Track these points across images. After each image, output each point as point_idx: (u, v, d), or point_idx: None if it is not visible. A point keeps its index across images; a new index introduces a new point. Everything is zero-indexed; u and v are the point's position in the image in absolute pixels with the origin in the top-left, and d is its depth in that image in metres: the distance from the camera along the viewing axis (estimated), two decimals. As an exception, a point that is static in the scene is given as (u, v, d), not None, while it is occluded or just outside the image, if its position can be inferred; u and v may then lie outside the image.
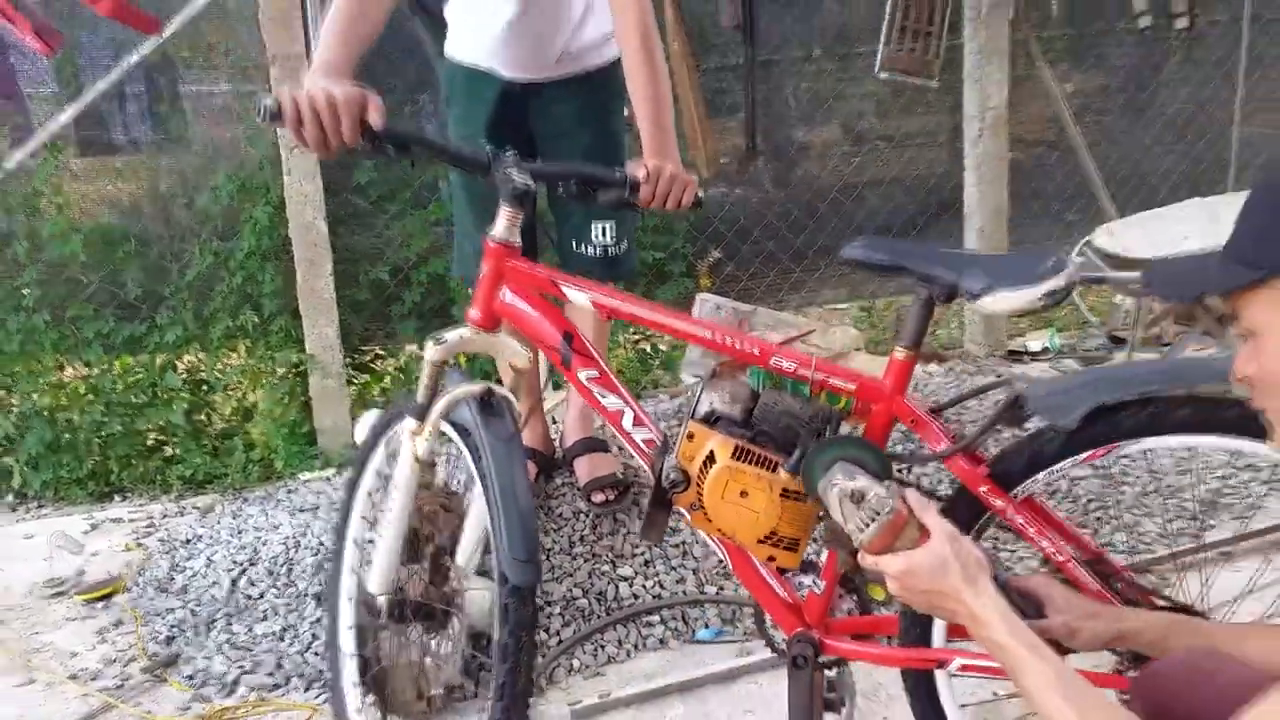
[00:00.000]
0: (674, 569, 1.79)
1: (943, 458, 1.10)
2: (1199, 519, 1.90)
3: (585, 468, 1.91)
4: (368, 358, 2.88)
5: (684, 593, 1.73)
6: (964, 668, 1.11)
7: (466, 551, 1.32)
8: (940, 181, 3.31)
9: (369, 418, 2.59)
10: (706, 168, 3.15)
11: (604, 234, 1.77)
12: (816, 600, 1.19)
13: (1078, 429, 1.05)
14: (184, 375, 2.55)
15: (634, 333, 3.17)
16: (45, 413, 2.42)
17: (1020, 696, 0.79)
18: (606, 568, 1.77)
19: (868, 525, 0.93)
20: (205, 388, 2.59)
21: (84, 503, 2.39)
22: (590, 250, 1.80)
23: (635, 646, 1.66)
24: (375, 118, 1.13)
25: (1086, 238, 2.67)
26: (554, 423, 2.28)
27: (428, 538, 1.38)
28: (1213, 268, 0.75)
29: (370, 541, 1.59)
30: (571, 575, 1.75)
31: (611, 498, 1.85)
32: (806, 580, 1.31)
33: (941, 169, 3.31)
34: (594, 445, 1.94)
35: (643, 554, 1.80)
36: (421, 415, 1.25)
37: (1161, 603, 1.08)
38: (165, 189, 2.57)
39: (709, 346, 1.20)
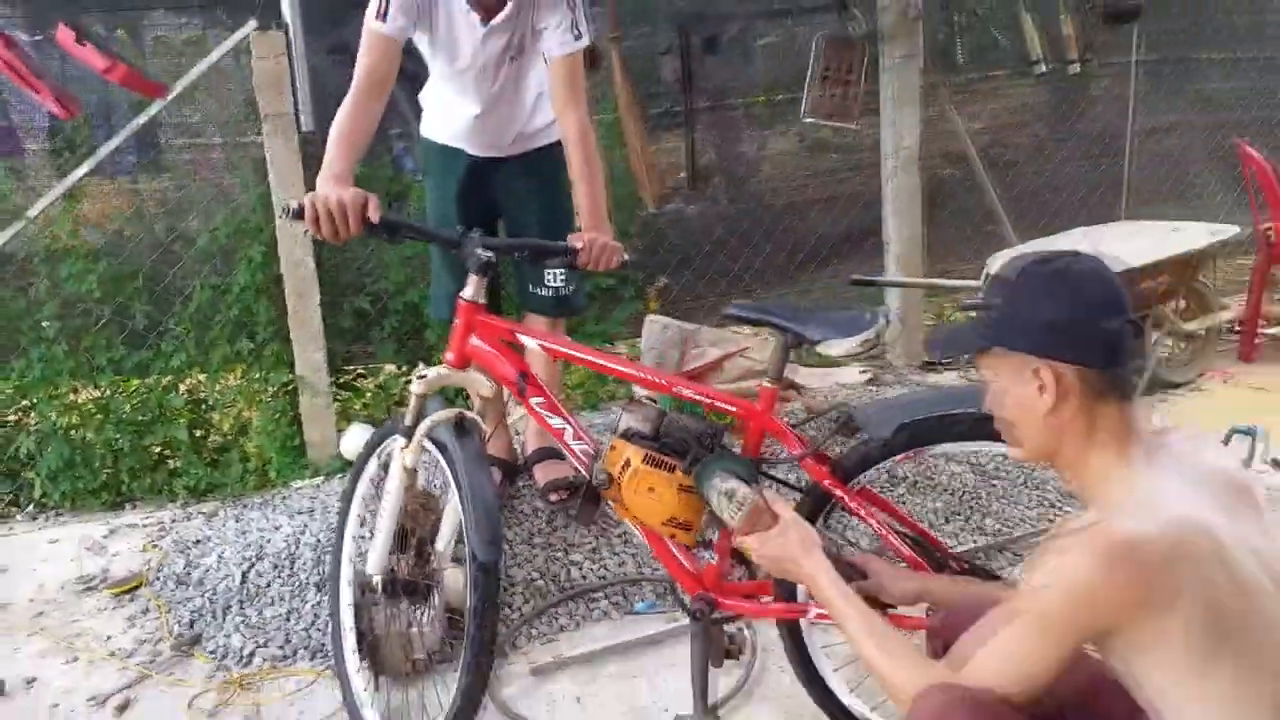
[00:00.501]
0: (617, 554, 2.17)
1: (798, 460, 1.50)
2: (1058, 506, 2.34)
3: (543, 472, 2.29)
4: (351, 377, 3.25)
5: (625, 574, 2.12)
6: (818, 616, 1.51)
7: (444, 540, 1.69)
8: (863, 212, 3.72)
9: (353, 431, 2.94)
10: (653, 202, 3.55)
11: (555, 278, 2.15)
12: (713, 569, 1.58)
13: (892, 438, 1.45)
14: (186, 396, 2.88)
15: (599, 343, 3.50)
16: (62, 431, 2.73)
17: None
18: (560, 554, 2.15)
19: (736, 514, 1.33)
20: (205, 407, 2.92)
21: (99, 511, 2.70)
22: (544, 291, 2.18)
23: (584, 618, 2.04)
24: (374, 214, 1.50)
25: (985, 268, 3.10)
26: (517, 435, 2.66)
27: (412, 531, 1.76)
28: (968, 333, 1.12)
29: (362, 537, 1.95)
30: (531, 561, 2.13)
31: (565, 497, 2.23)
32: (707, 555, 1.70)
33: (867, 199, 3.72)
34: (550, 453, 2.32)
35: (590, 542, 2.19)
36: (409, 434, 1.62)
37: (963, 568, 1.49)
38: (166, 230, 2.90)
39: (632, 380, 1.59)
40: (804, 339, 1.45)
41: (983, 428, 1.36)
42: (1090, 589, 0.92)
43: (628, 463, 1.46)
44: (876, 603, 1.30)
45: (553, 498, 2.23)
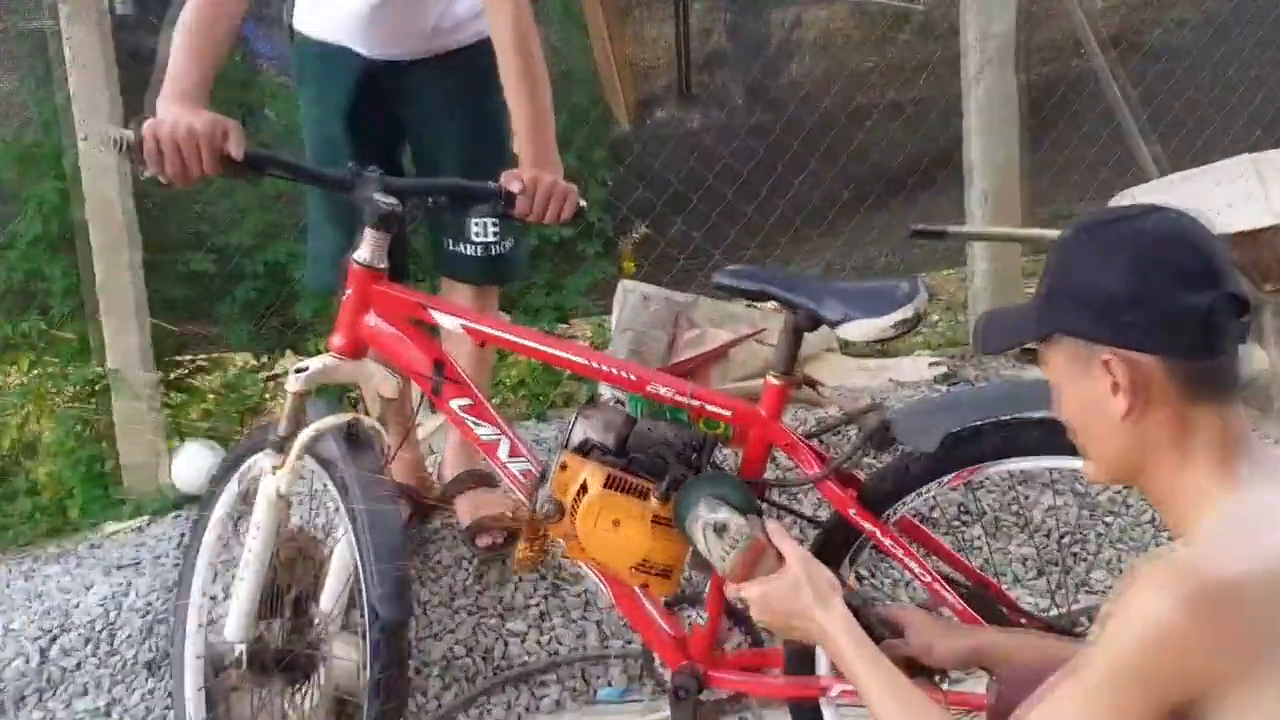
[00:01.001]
0: (574, 623, 2.37)
1: (815, 482, 1.71)
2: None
3: (468, 506, 2.46)
4: (186, 372, 3.39)
5: (584, 649, 2.32)
6: (844, 694, 1.72)
7: (331, 597, 1.88)
8: (935, 128, 3.93)
9: (190, 452, 3.12)
10: (629, 115, 3.73)
11: (485, 232, 2.32)
12: (701, 633, 1.78)
13: (939, 451, 1.66)
14: (-59, 400, 3.04)
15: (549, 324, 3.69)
16: None
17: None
18: (494, 622, 2.34)
19: (728, 555, 1.52)
20: (-26, 415, 3.08)
21: None
22: (469, 249, 2.33)
23: (526, 709, 2.23)
24: (235, 149, 1.68)
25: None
26: (432, 454, 2.84)
27: (286, 586, 1.94)
28: (1021, 316, 1.29)
29: (215, 597, 2.13)
30: (453, 631, 2.32)
31: (499, 541, 2.41)
32: (693, 615, 1.89)
33: (941, 109, 3.92)
34: (478, 479, 2.49)
35: (536, 603, 2.38)
36: (282, 448, 1.81)
37: (1037, 623, 1.70)
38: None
39: (591, 375, 1.79)
40: (819, 318, 1.64)
41: (1065, 438, 1.56)
42: (1173, 641, 1.03)
43: (584, 487, 1.64)
44: (918, 669, 1.50)
45: (482, 542, 2.41)
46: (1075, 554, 2.60)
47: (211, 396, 3.48)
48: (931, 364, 3.52)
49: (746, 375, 3.13)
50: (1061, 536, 2.63)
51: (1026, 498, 2.70)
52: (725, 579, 1.53)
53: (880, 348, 3.93)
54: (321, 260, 2.35)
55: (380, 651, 1.70)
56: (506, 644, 2.31)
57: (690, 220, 3.83)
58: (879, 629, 1.51)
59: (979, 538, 2.58)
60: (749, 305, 4.06)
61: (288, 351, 3.43)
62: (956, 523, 2.59)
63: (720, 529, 1.53)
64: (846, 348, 3.96)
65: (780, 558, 1.49)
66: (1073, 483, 2.76)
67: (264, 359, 3.51)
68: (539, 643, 2.33)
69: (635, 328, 3.34)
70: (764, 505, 1.71)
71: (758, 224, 3.88)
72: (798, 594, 1.45)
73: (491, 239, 2.31)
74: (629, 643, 2.33)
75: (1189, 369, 1.12)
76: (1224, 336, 1.13)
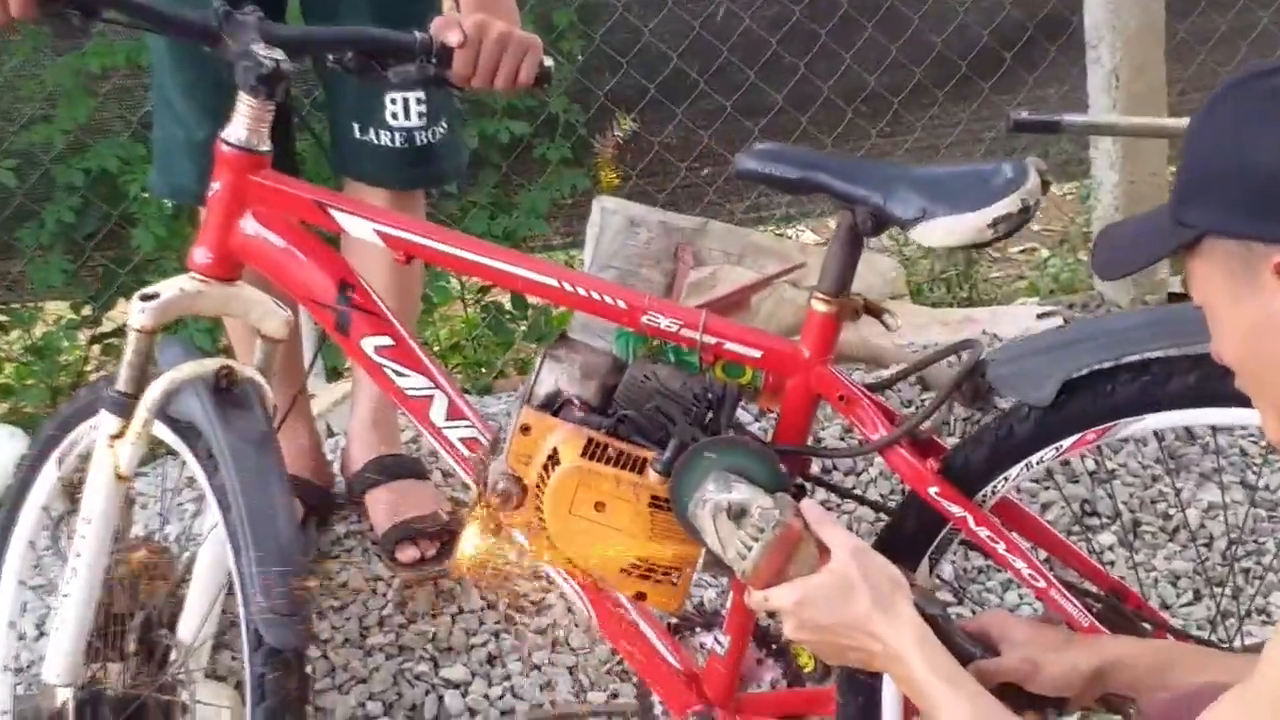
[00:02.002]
0: (536, 669, 2.39)
1: (880, 449, 1.73)
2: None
3: (385, 506, 2.49)
4: (-26, 327, 3.41)
5: (551, 704, 2.34)
6: (920, 749, 1.75)
7: (193, 622, 1.90)
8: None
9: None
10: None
11: (406, 111, 2.34)
12: (720, 666, 1.81)
13: (1056, 406, 1.69)
14: None
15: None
16: None
17: None
18: (424, 668, 2.37)
19: (750, 548, 1.54)
20: None
21: None
22: (383, 137, 2.36)
23: (470, 790, 2.27)
24: (53, -22, 1.70)
25: None
26: (331, 435, 2.85)
27: (130, 610, 1.96)
28: (1162, 225, 1.29)
29: (22, 637, 2.13)
30: (364, 681, 2.34)
31: (431, 554, 2.44)
32: (708, 641, 1.91)
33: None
34: (400, 468, 2.52)
35: (484, 644, 2.41)
36: (124, 410, 1.82)
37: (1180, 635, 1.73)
38: None
39: (556, 300, 1.81)
40: (886, 216, 1.66)
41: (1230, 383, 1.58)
42: None
43: (555, 457, 1.66)
44: (1022, 700, 1.52)
45: (405, 556, 2.44)
46: (1247, 570, 2.64)
47: (10, 365, 3.48)
48: (1041, 315, 3.57)
49: (776, 331, 3.16)
50: (1228, 545, 2.67)
51: (1179, 491, 2.73)
52: (746, 583, 1.55)
53: (966, 293, 3.98)
54: (174, 155, 2.37)
55: (266, 693, 1.71)
56: (441, 699, 2.34)
57: (695, 113, 3.86)
58: (964, 646, 1.53)
59: (1111, 547, 2.61)
60: (777, 232, 4.11)
61: (120, 300, 3.45)
62: (1077, 528, 2.63)
63: (737, 513, 1.54)
64: (919, 295, 4.01)
65: (823, 551, 1.51)
66: (1242, 472, 2.80)
67: (87, 310, 3.52)
68: (487, 697, 2.35)
69: (619, 263, 3.37)
70: (807, 485, 1.74)
71: (791, 118, 3.91)
72: (849, 599, 1.46)
73: (416, 122, 2.34)
74: (615, 696, 2.36)
75: None
76: None
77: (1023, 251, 4.74)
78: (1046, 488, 2.73)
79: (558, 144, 3.71)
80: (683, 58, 3.81)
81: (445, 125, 2.38)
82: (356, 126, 2.35)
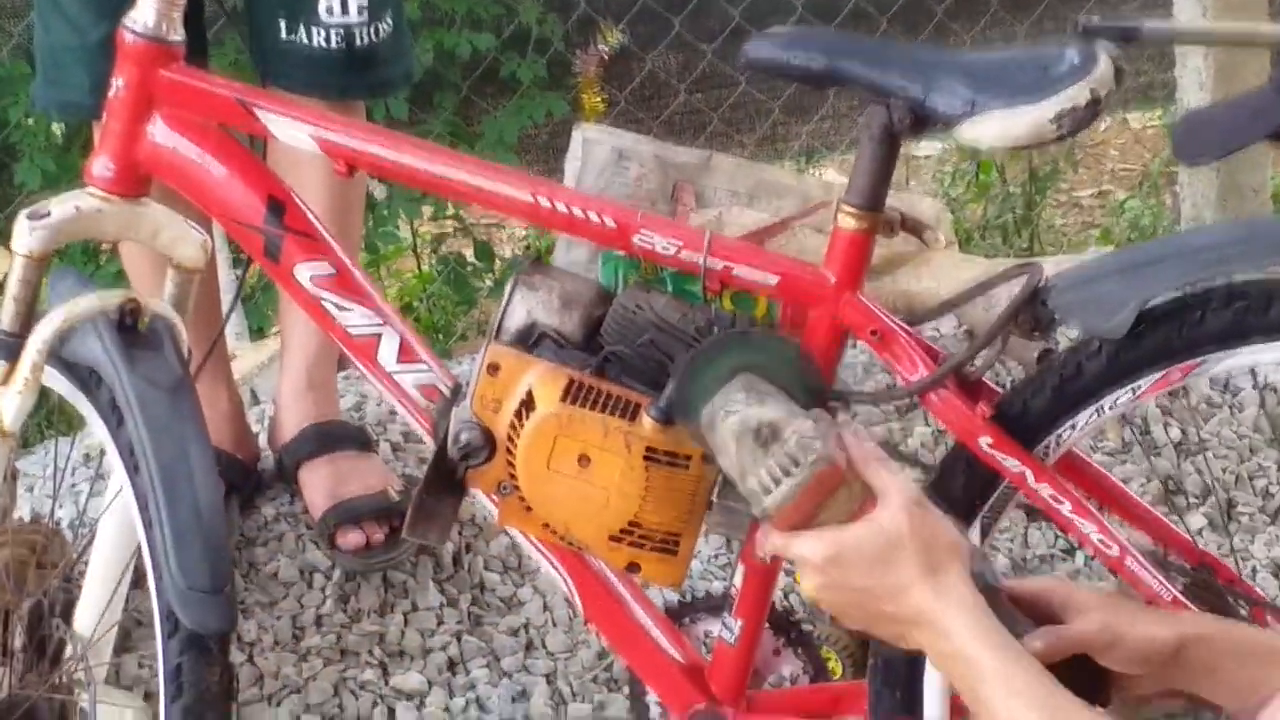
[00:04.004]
0: (507, 676, 2.41)
1: (920, 393, 1.76)
2: None
3: (324, 484, 2.51)
4: None
5: (525, 717, 2.35)
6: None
7: (93, 610, 1.91)
8: None
9: None
10: None
11: (343, 3, 2.34)
12: (729, 656, 1.83)
13: (1132, 337, 1.71)
14: None
15: (440, 212, 3.73)
16: None
17: None
18: (371, 676, 2.38)
19: (779, 481, 1.54)
20: None
21: None
22: (317, 37, 2.37)
23: (429, 822, 2.29)
24: None
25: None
26: (257, 402, 2.87)
27: (15, 599, 1.98)
28: (1259, 105, 1.29)
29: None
30: (300, 691, 2.36)
31: (378, 540, 2.46)
32: (715, 628, 1.93)
33: None
34: (340, 439, 2.54)
35: (444, 647, 2.43)
36: (8, 352, 1.83)
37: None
38: None
39: (530, 218, 1.83)
40: (926, 112, 1.68)
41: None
42: None
43: (530, 402, 1.68)
44: (1087, 676, 1.53)
45: (347, 542, 2.46)
46: None
47: None
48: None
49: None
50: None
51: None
52: (764, 522, 1.54)
53: (1025, 241, 4.00)
54: (62, 62, 2.39)
55: (184, 687, 1.74)
56: (392, 712, 2.36)
57: (697, 25, 3.86)
58: (1017, 622, 1.51)
59: (1201, 531, 2.64)
60: (801, 169, 4.12)
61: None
62: (1161, 510, 2.64)
63: (768, 435, 1.52)
64: (969, 244, 4.02)
65: (867, 495, 1.51)
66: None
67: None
68: (448, 710, 2.37)
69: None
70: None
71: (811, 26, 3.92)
72: (893, 561, 1.46)
73: (355, 18, 2.36)
74: (602, 708, 2.38)
75: None
76: None
77: (1096, 194, 4.76)
78: (1123, 461, 2.75)
79: (530, 61, 3.72)
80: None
81: (390, 22, 2.40)
82: (283, 24, 2.37)
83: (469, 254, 3.82)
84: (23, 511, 2.43)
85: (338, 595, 2.46)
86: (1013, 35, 4.18)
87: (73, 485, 2.64)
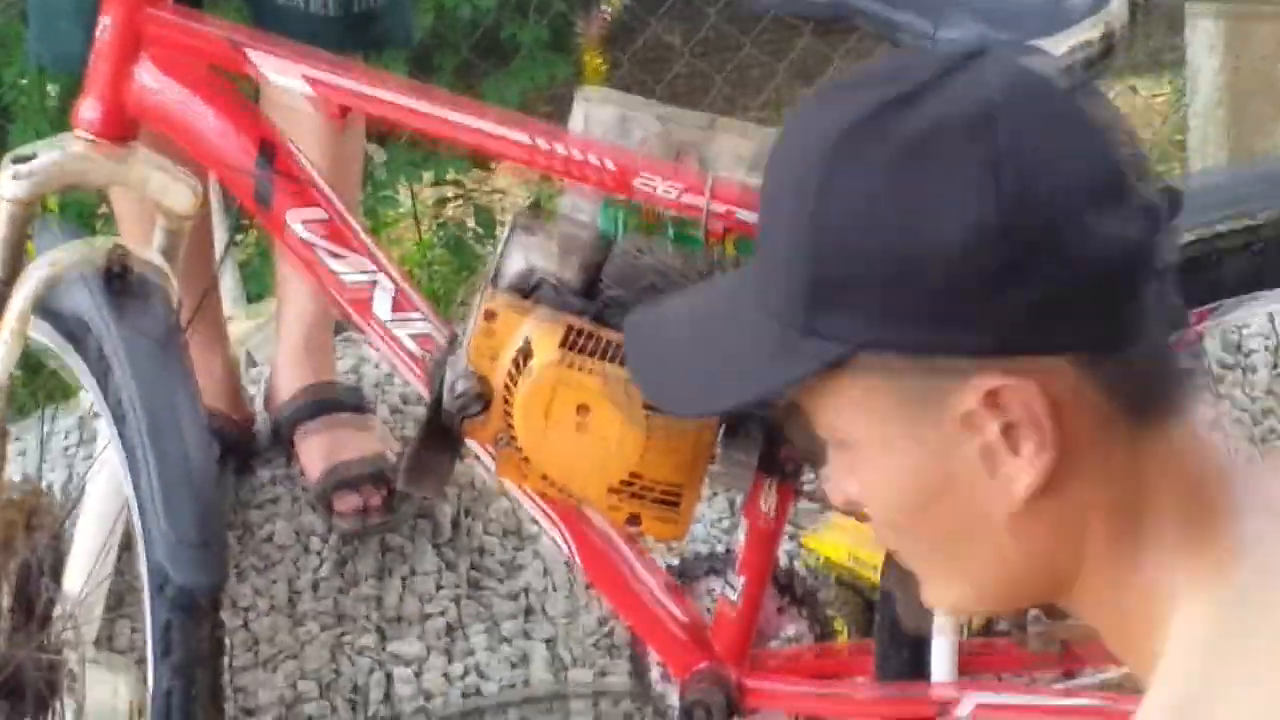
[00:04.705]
0: (506, 642, 2.38)
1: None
2: None
3: (321, 447, 2.46)
4: None
5: (525, 683, 2.33)
6: (981, 710, 1.73)
7: (81, 570, 1.88)
8: None
9: None
10: None
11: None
12: (731, 615, 1.79)
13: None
14: None
15: (440, 175, 3.70)
16: None
17: None
18: (369, 640, 2.36)
19: None
20: None
21: None
22: (314, 1, 2.32)
23: (427, 792, 2.27)
24: None
25: None
26: (254, 364, 2.83)
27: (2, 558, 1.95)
28: (763, 337, 1.03)
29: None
30: (295, 657, 2.33)
31: (375, 503, 2.42)
32: (716, 585, 1.88)
33: None
34: (337, 401, 2.50)
35: (442, 612, 2.40)
36: (-7, 304, 1.81)
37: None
38: None
39: (521, 160, 1.80)
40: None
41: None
42: None
43: (527, 351, 1.65)
44: None
45: (344, 505, 2.42)
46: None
47: None
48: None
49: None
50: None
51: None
52: None
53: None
54: (56, 14, 2.34)
55: (172, 645, 1.71)
56: (390, 678, 2.34)
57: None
58: None
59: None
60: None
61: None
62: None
63: None
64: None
65: None
66: None
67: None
68: (446, 676, 2.35)
69: (607, 168, 3.36)
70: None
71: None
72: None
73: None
74: (604, 675, 2.35)
75: (1124, 368, 1.02)
76: (1165, 285, 1.03)
77: (1103, 163, 4.73)
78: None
79: (532, 24, 3.70)
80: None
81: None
82: (277, -25, 2.34)
83: (470, 222, 3.79)
84: (14, 476, 2.41)
85: (335, 560, 2.43)
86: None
87: (66, 449, 2.60)
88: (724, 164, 3.61)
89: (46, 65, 2.75)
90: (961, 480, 1.02)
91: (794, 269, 1.01)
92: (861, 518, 1.14)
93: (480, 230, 3.76)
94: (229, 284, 2.88)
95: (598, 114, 3.49)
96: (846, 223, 0.99)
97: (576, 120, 3.51)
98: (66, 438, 2.63)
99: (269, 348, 2.72)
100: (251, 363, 2.82)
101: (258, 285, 3.33)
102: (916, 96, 0.99)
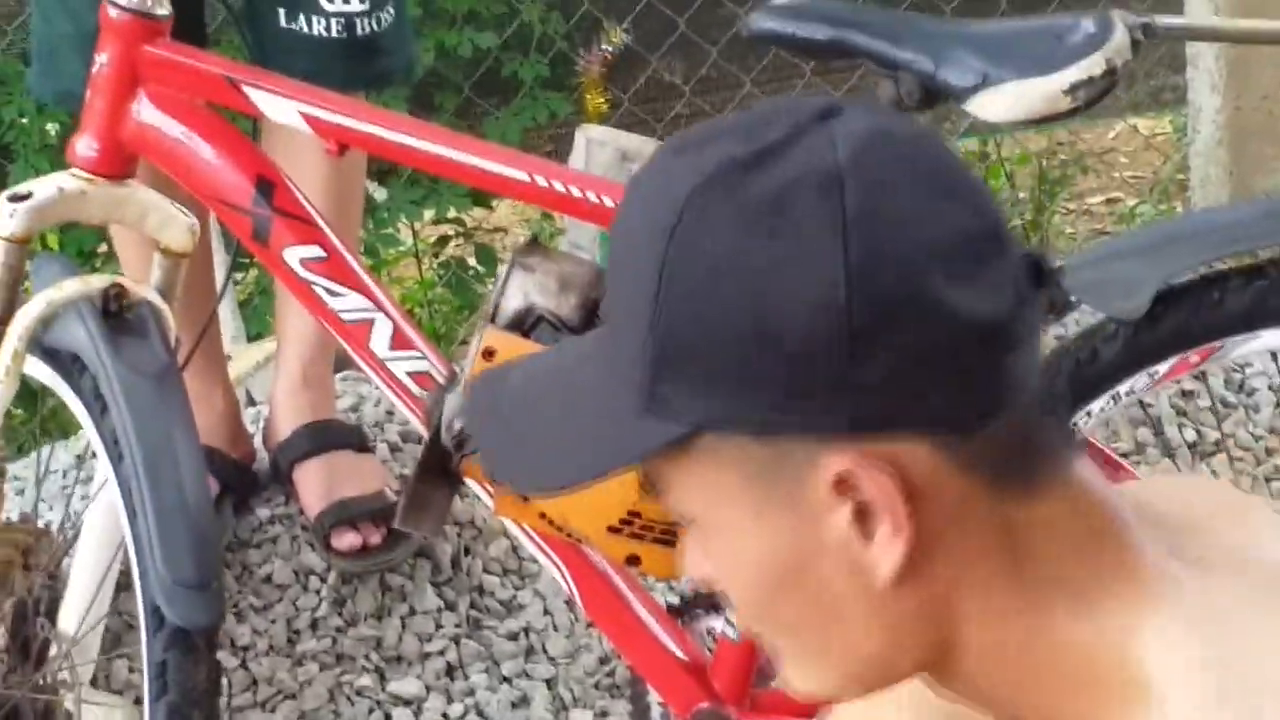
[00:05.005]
0: (506, 680, 2.37)
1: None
2: None
3: (319, 483, 2.45)
4: None
5: (525, 724, 2.32)
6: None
7: (78, 609, 1.87)
8: None
9: None
10: None
11: (345, -10, 2.33)
12: (732, 654, 1.78)
13: (1150, 319, 1.66)
14: None
15: (441, 213, 3.69)
16: None
17: None
18: (368, 681, 2.34)
19: None
20: None
21: None
22: (317, 26, 2.33)
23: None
24: None
25: None
26: (253, 404, 2.82)
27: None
28: (605, 410, 0.98)
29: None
30: (295, 696, 2.31)
31: (375, 541, 2.41)
32: (717, 624, 1.87)
33: None
34: (336, 438, 2.49)
35: (441, 653, 2.38)
36: (-12, 338, 1.80)
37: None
38: None
39: (521, 197, 1.79)
40: (937, 84, 1.64)
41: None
42: None
43: (524, 388, 1.65)
44: None
45: (343, 543, 2.41)
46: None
47: None
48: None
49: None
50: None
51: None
52: None
53: (1035, 245, 3.95)
54: (60, 51, 2.35)
55: (169, 685, 1.70)
56: (389, 718, 2.32)
57: (701, 23, 3.83)
58: None
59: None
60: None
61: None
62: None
63: None
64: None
65: None
66: None
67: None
68: (446, 717, 2.33)
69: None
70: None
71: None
72: None
73: (356, 5, 2.33)
74: (604, 715, 2.34)
75: (987, 443, 0.98)
76: (1029, 356, 1.00)
77: (1106, 201, 4.73)
78: (1137, 463, 2.69)
79: (533, 61, 3.70)
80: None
81: (391, 11, 2.36)
82: (282, 11, 2.33)
83: (471, 260, 3.78)
84: (12, 515, 2.40)
85: (333, 599, 2.41)
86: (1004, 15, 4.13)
87: (63, 488, 2.59)
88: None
89: (48, 102, 2.76)
90: (817, 564, 0.98)
91: (637, 337, 0.96)
92: (722, 595, 1.10)
93: (481, 269, 3.76)
94: (228, 322, 2.87)
95: (599, 151, 3.51)
96: (689, 289, 0.95)
97: (578, 157, 3.53)
98: (64, 476, 2.61)
99: (268, 386, 2.71)
100: (251, 401, 2.82)
101: (257, 324, 3.33)
102: (768, 155, 0.95)
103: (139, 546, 1.71)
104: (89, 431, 1.80)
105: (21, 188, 1.78)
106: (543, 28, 3.69)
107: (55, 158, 3.30)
